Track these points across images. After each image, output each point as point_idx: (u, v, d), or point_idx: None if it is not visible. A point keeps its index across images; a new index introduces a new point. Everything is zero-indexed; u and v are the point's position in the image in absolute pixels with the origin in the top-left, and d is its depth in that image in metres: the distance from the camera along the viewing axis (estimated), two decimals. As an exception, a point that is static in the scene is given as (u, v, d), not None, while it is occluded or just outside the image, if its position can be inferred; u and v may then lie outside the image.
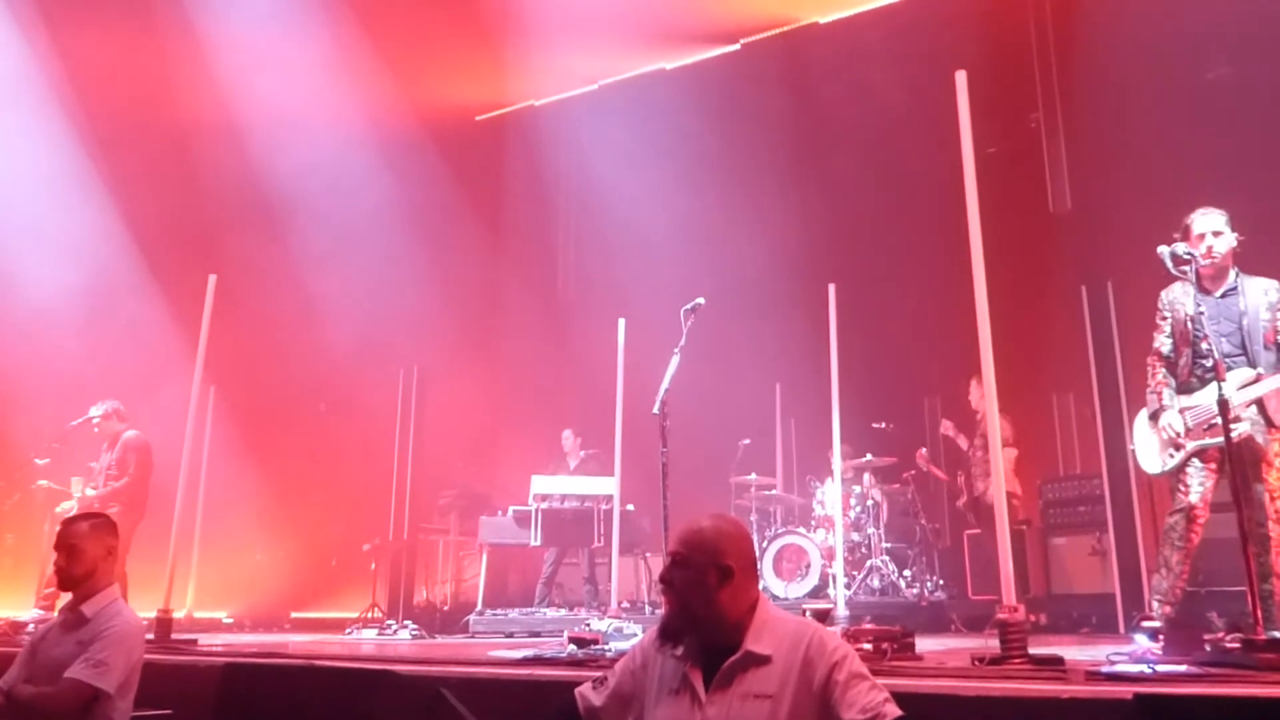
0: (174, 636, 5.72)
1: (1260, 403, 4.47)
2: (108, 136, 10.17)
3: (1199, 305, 4.36)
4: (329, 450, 10.48)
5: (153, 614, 5.62)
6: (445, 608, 10.38)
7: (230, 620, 10.26)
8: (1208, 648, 3.61)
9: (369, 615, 8.92)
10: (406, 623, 8.12)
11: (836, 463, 7.24)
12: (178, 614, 6.54)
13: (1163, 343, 4.83)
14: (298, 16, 9.62)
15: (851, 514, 8.58)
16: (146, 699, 3.53)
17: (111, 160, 10.26)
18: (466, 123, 12.12)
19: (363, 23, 9.96)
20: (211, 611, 10.13)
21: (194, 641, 5.78)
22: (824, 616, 4.92)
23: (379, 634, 7.86)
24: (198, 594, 9.62)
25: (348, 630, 8.24)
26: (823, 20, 10.31)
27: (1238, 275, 4.66)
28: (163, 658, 4.67)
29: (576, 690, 2.63)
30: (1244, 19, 7.81)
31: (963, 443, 8.61)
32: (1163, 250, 4.30)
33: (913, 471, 9.04)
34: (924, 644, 4.58)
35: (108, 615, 3.44)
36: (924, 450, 9.08)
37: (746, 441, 9.41)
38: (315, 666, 3.73)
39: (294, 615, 10.73)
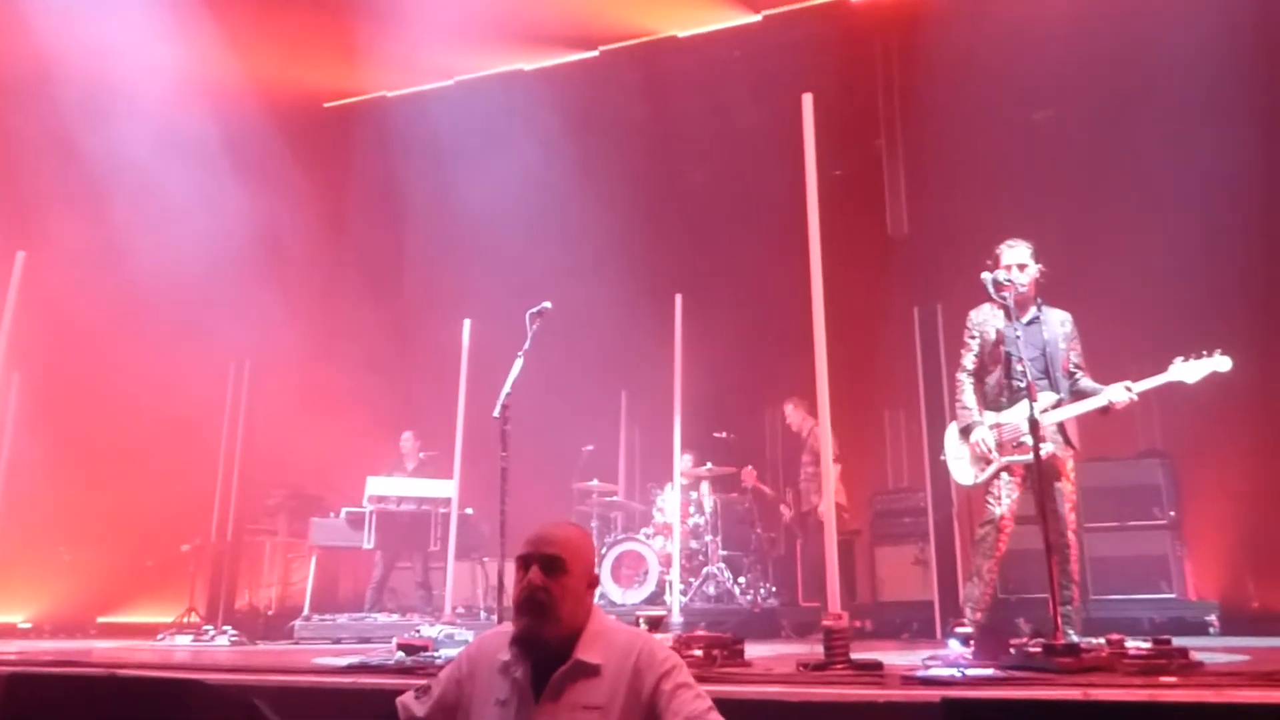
0: (-44, 644, 5.24)
1: (1061, 425, 4.86)
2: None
3: (1015, 330, 4.64)
4: (147, 444, 9.81)
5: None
6: (270, 613, 9.95)
7: (28, 625, 9.50)
8: (1013, 652, 3.82)
9: (185, 620, 8.51)
10: (226, 628, 7.76)
11: (676, 470, 7.35)
12: (-38, 618, 5.99)
13: (971, 361, 5.12)
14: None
15: (690, 522, 8.69)
16: (-83, 713, 3.19)
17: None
18: (313, 108, 11.63)
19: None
20: (5, 615, 9.35)
21: (-21, 649, 5.32)
22: (658, 623, 4.96)
23: (195, 640, 7.47)
24: (-11, 596, 8.89)
25: (160, 636, 7.79)
26: (681, 34, 10.43)
27: (1040, 305, 4.99)
28: (-61, 667, 4.24)
29: (398, 699, 2.55)
30: (1064, 68, 8.47)
31: (751, 485, 9.03)
32: (986, 276, 4.59)
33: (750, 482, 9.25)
34: (754, 650, 4.67)
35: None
36: (751, 468, 9.19)
37: (590, 448, 9.42)
38: (114, 676, 3.45)
39: (101, 620, 10.06)
